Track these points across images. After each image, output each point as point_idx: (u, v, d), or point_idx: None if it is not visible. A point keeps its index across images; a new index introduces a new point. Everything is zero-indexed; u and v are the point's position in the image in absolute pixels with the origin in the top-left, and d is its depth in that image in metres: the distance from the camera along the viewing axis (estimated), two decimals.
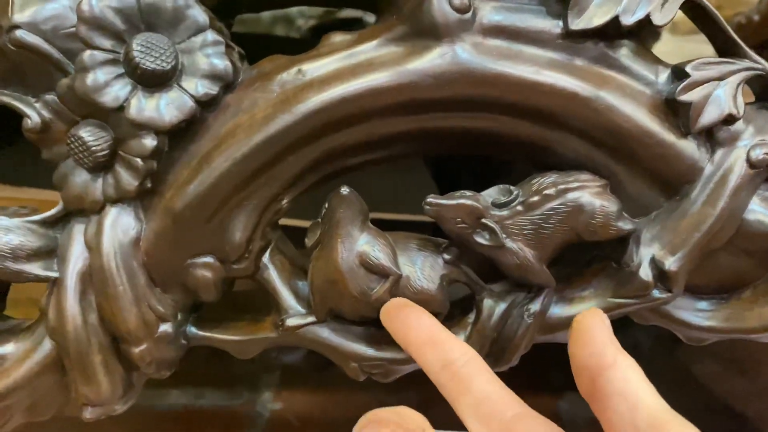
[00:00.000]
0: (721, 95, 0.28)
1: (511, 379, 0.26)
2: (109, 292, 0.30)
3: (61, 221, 0.31)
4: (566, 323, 0.31)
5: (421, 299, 0.29)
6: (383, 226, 0.30)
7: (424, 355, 0.25)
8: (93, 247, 0.30)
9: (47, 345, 0.31)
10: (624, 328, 0.77)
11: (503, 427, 0.22)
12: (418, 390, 0.70)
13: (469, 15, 0.27)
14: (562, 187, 0.28)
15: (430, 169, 0.59)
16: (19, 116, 0.29)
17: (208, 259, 0.31)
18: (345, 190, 0.29)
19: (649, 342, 0.76)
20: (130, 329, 0.30)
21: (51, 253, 0.31)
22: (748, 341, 0.57)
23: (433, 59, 0.28)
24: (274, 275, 0.32)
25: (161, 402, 0.70)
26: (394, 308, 0.28)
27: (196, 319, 0.33)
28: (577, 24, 0.27)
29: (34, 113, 0.29)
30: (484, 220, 0.28)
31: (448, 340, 0.25)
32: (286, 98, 0.29)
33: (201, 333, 0.32)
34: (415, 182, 0.58)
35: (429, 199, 0.28)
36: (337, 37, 0.30)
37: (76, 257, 0.31)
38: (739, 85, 0.28)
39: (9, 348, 0.32)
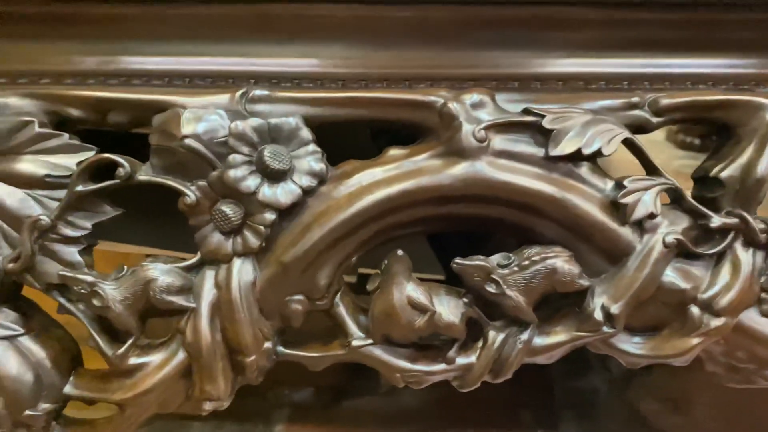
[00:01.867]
0: (647, 200, 0.43)
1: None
2: (234, 317, 0.43)
3: (195, 268, 0.45)
4: (545, 350, 0.45)
5: (446, 329, 0.44)
6: None
7: None
8: (222, 286, 0.44)
9: (180, 356, 0.45)
10: (585, 377, 0.91)
11: None
12: (419, 425, 0.83)
13: (485, 143, 0.43)
14: (543, 255, 0.43)
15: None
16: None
17: (300, 297, 0.45)
18: (400, 252, 0.44)
19: (605, 386, 0.90)
20: (247, 344, 0.44)
21: (189, 290, 0.44)
22: (682, 383, 0.72)
23: (461, 170, 0.43)
24: (342, 310, 0.46)
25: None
26: None
27: (282, 341, 0.46)
28: (554, 151, 0.43)
29: (191, 193, 0.43)
30: (492, 276, 0.43)
31: None
32: (362, 190, 0.44)
33: (286, 350, 0.46)
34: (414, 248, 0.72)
35: (457, 260, 0.43)
36: (395, 151, 0.45)
37: (207, 293, 0.44)
38: (657, 193, 0.44)
39: (151, 358, 0.45)
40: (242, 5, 0.45)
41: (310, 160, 0.43)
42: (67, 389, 0.46)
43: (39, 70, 0.45)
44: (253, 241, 0.43)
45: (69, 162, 0.43)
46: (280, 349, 0.46)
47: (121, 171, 0.42)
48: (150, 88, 0.44)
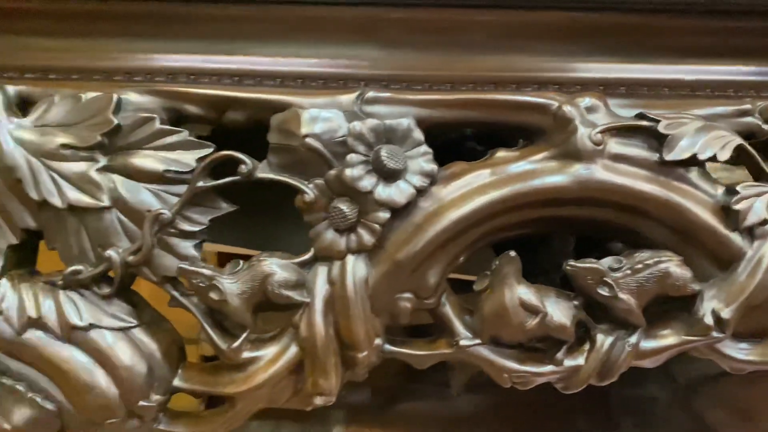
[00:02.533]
0: (759, 206, 0.44)
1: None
2: (348, 313, 0.44)
3: (308, 264, 0.46)
4: (652, 353, 0.45)
5: (558, 331, 0.44)
6: None
7: None
8: (336, 282, 0.44)
9: (293, 350, 0.45)
10: (641, 385, 0.91)
11: None
12: (471, 428, 0.83)
13: (601, 146, 0.43)
14: (656, 259, 0.43)
15: None
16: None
17: (409, 295, 0.45)
18: (512, 253, 0.44)
19: (665, 395, 0.90)
20: (360, 340, 0.44)
21: (303, 285, 0.45)
22: (751, 393, 0.71)
23: (576, 172, 0.43)
24: (449, 310, 0.46)
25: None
26: None
27: (388, 339, 0.47)
28: (669, 156, 0.43)
29: (309, 191, 0.44)
30: (605, 279, 0.43)
31: None
32: (474, 191, 0.44)
33: (391, 348, 0.47)
34: None
35: (570, 263, 0.43)
36: (503, 153, 0.46)
37: (320, 289, 0.45)
38: None
39: (263, 352, 0.46)
40: (352, 8, 0.46)
41: (422, 160, 0.44)
42: (176, 382, 0.47)
43: (155, 67, 0.46)
44: (368, 239, 0.44)
45: (188, 158, 0.44)
46: (386, 347, 0.46)
47: (243, 168, 0.43)
48: (265, 88, 0.45)
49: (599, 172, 0.43)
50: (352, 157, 0.43)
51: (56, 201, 0.43)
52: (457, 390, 0.75)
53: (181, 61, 0.47)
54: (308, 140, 0.43)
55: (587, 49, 0.47)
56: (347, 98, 0.45)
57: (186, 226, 0.44)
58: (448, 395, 0.91)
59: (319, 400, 0.45)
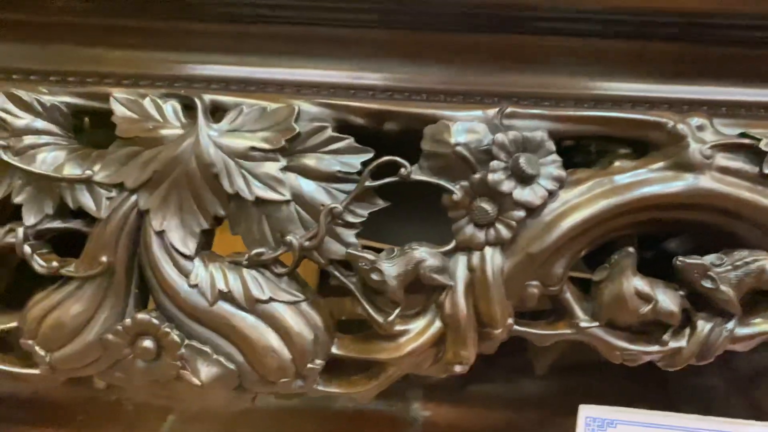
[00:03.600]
0: None
1: None
2: (488, 296, 0.52)
3: (450, 253, 0.54)
4: (746, 338, 0.53)
5: (667, 316, 0.52)
6: None
7: None
8: (477, 269, 0.53)
9: (437, 325, 0.54)
10: (700, 374, 0.98)
11: None
12: (539, 410, 0.91)
13: (710, 160, 0.51)
14: (754, 258, 0.51)
15: None
16: None
17: (537, 283, 0.54)
18: (630, 249, 0.52)
19: (724, 384, 0.96)
20: (497, 319, 0.52)
21: (446, 271, 0.53)
22: None
23: (687, 181, 0.51)
24: (569, 296, 0.54)
25: (334, 404, 0.90)
26: None
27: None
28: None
29: (457, 192, 0.52)
30: (709, 273, 0.51)
31: None
32: (597, 195, 0.52)
33: (519, 327, 0.55)
34: None
35: (680, 258, 0.51)
36: (623, 163, 0.53)
37: (461, 274, 0.53)
38: None
39: (411, 325, 0.54)
40: (491, 36, 0.54)
41: (553, 167, 0.52)
42: (334, 349, 0.55)
43: (322, 82, 0.55)
44: (505, 234, 0.52)
45: (353, 161, 0.53)
46: (516, 326, 0.54)
47: (403, 171, 0.51)
48: (424, 103, 0.53)
49: (707, 181, 0.51)
50: (495, 163, 0.51)
51: (246, 194, 0.52)
52: (540, 370, 0.83)
53: (345, 77, 0.55)
54: (458, 148, 0.51)
55: (694, 74, 0.54)
56: (489, 112, 0.52)
57: (350, 218, 0.53)
58: (515, 379, 0.99)
59: (458, 368, 0.54)
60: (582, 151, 0.67)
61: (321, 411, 0.91)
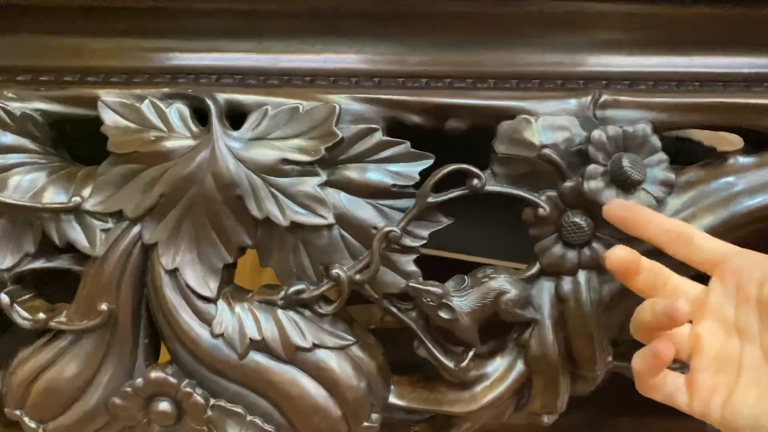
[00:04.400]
0: None
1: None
2: (585, 332, 0.42)
3: (533, 279, 0.44)
4: None
5: None
6: None
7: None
8: (569, 299, 0.42)
9: (519, 368, 0.44)
10: None
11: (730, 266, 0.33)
12: (584, 413, 0.82)
13: None
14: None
15: None
16: None
17: None
18: None
19: None
20: (595, 359, 0.42)
21: (531, 302, 0.43)
22: None
23: None
24: None
25: None
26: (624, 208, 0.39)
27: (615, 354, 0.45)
28: None
29: (544, 205, 0.42)
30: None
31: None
32: (716, 203, 0.42)
33: (618, 363, 0.45)
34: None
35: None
36: (740, 159, 0.43)
37: (547, 305, 0.43)
38: None
39: (488, 369, 0.44)
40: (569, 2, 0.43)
41: (660, 169, 0.42)
42: (392, 399, 0.45)
43: (370, 71, 0.44)
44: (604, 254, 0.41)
45: (410, 170, 0.42)
46: (616, 362, 0.44)
47: (476, 182, 0.41)
48: (493, 92, 0.42)
49: None
50: (592, 168, 0.41)
51: (279, 219, 0.41)
52: None
53: (398, 64, 0.44)
54: (547, 151, 0.40)
55: None
56: (581, 101, 0.42)
57: (408, 242, 0.42)
58: None
59: (547, 419, 0.44)
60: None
61: None
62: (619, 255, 0.35)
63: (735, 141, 0.47)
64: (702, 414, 0.33)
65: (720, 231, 0.42)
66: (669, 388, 0.34)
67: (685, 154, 0.47)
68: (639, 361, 0.33)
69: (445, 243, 0.53)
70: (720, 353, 0.33)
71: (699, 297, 0.35)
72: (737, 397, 0.32)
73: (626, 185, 0.41)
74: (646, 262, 0.36)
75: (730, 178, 0.42)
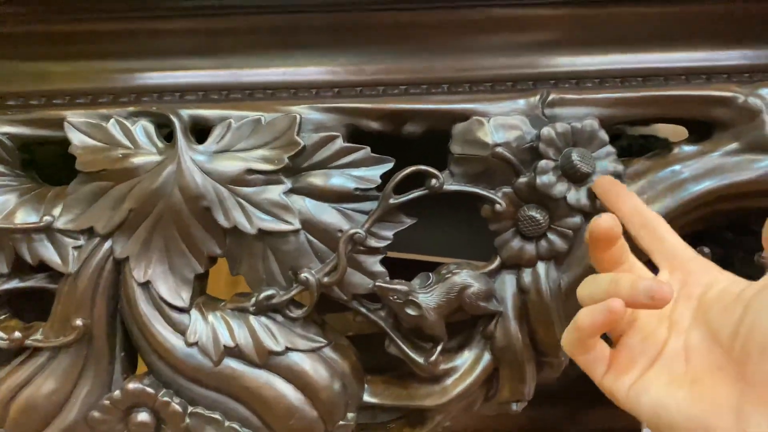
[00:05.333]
0: None
1: None
2: (547, 320, 0.44)
3: (494, 273, 0.45)
4: None
5: None
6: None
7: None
8: (530, 290, 0.44)
9: (486, 359, 0.45)
10: None
11: (683, 265, 0.34)
12: (562, 405, 0.84)
13: None
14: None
15: None
16: None
17: None
18: (706, 249, 0.44)
19: None
20: (559, 346, 0.44)
21: (493, 295, 0.45)
22: None
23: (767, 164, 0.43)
24: None
25: None
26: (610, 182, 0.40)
27: None
28: None
29: (500, 201, 0.43)
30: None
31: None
32: (663, 190, 0.44)
33: None
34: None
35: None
36: (686, 147, 0.45)
37: (510, 297, 0.45)
38: None
39: (457, 362, 0.46)
40: (516, 9, 0.45)
41: (609, 161, 0.44)
42: (366, 397, 0.47)
43: (329, 81, 0.45)
44: (561, 245, 0.44)
45: (372, 174, 0.44)
46: None
47: (434, 182, 0.43)
48: (447, 96, 0.44)
49: None
50: (543, 163, 0.43)
51: (247, 228, 0.42)
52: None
53: (355, 74, 0.45)
54: (499, 149, 0.42)
55: (754, 36, 0.46)
56: (528, 102, 0.44)
57: (373, 243, 0.44)
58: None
59: (516, 406, 0.46)
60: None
61: None
62: (607, 222, 0.35)
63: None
64: (609, 389, 0.33)
65: (669, 217, 0.44)
66: (595, 354, 0.34)
67: (648, 150, 0.49)
68: (587, 316, 0.33)
69: (409, 245, 0.54)
70: (647, 337, 0.34)
71: None
72: (648, 378, 0.32)
73: (577, 178, 0.43)
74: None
75: (676, 167, 0.45)
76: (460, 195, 0.44)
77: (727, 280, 0.33)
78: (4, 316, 0.45)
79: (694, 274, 0.35)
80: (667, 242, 0.37)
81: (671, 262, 0.36)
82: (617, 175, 0.44)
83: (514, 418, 0.85)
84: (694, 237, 0.48)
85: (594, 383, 0.35)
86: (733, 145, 0.44)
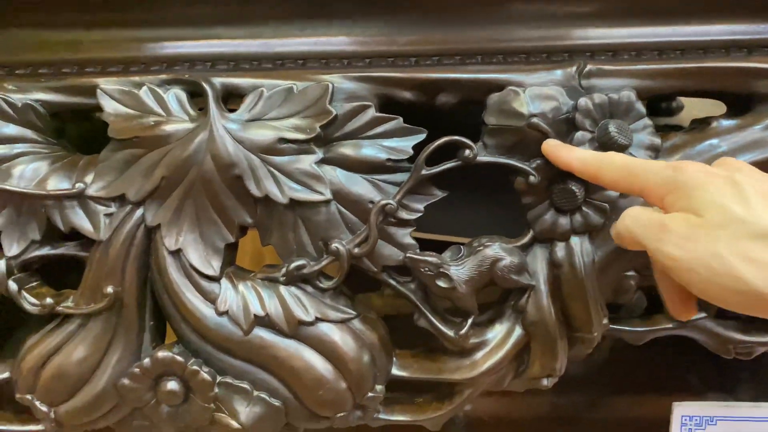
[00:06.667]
0: None
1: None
2: (580, 295, 0.43)
3: (527, 247, 0.45)
4: None
5: None
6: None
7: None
8: (563, 264, 0.44)
9: (518, 333, 0.45)
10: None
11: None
12: (584, 392, 0.83)
13: None
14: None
15: None
16: None
17: (634, 273, 0.45)
18: None
19: None
20: (591, 321, 0.44)
21: (526, 269, 0.44)
22: None
23: None
24: None
25: None
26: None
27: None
28: None
29: (534, 174, 0.43)
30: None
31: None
32: (706, 161, 0.43)
33: (614, 326, 0.46)
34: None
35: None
36: (724, 122, 0.44)
37: (542, 271, 0.44)
38: None
39: (487, 336, 0.45)
40: None
41: (646, 134, 0.43)
42: (395, 370, 0.46)
43: (361, 52, 0.45)
44: (596, 219, 0.43)
45: (404, 145, 0.43)
46: (611, 325, 0.46)
47: (468, 152, 0.42)
48: (481, 66, 0.44)
49: None
50: (580, 134, 0.42)
51: (278, 197, 0.42)
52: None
53: (373, 44, 0.45)
54: (535, 120, 0.42)
55: None
56: (567, 72, 0.43)
57: (404, 215, 0.43)
58: None
59: (546, 382, 0.45)
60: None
61: None
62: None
63: None
64: None
65: None
66: None
67: None
68: None
69: (436, 226, 0.54)
70: None
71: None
72: None
73: (613, 150, 0.42)
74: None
75: (714, 140, 0.44)
76: (490, 174, 0.43)
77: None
78: (35, 283, 0.45)
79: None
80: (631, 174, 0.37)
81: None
82: (654, 149, 0.43)
83: (536, 406, 0.85)
84: None
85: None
86: None
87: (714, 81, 0.44)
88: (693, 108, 0.63)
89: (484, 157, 0.43)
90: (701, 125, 0.45)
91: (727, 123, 0.44)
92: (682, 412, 0.52)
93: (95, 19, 0.46)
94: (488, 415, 0.83)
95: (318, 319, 0.44)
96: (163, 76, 0.44)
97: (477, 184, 0.47)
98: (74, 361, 0.44)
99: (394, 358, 0.47)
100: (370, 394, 0.45)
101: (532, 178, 0.43)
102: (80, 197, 0.43)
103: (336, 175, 0.43)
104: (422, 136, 0.43)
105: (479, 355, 0.45)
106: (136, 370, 0.44)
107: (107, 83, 0.43)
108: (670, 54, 0.45)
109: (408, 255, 0.43)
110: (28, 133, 0.44)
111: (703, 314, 0.45)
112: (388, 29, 0.46)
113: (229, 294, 0.44)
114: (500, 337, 0.45)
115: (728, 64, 0.43)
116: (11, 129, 0.43)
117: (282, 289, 0.44)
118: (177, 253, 0.43)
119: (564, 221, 0.44)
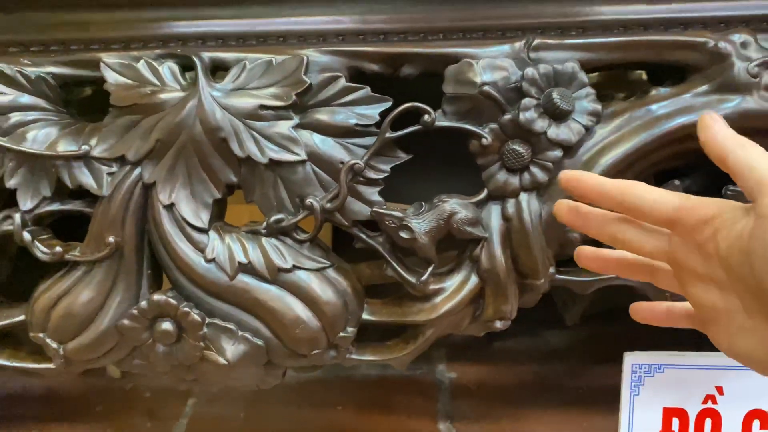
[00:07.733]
0: None
1: None
2: (528, 245, 0.49)
3: (481, 203, 0.50)
4: None
5: None
6: None
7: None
8: (513, 218, 0.49)
9: (473, 281, 0.50)
10: None
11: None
12: (565, 362, 0.88)
13: (758, 79, 0.47)
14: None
15: None
16: None
17: None
18: (677, 182, 0.48)
19: None
20: (538, 269, 0.49)
21: (480, 222, 0.49)
22: None
23: (734, 104, 0.47)
24: None
25: (356, 372, 0.87)
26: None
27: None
28: None
29: (486, 136, 0.48)
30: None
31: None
32: (637, 127, 0.48)
33: (560, 276, 0.51)
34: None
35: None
36: (661, 90, 0.49)
37: (495, 225, 0.50)
38: None
39: (446, 283, 0.51)
40: None
41: (587, 101, 0.48)
42: (365, 315, 0.52)
43: (335, 30, 0.50)
44: (542, 177, 0.48)
45: (371, 112, 0.48)
46: (557, 275, 0.51)
47: (427, 118, 0.47)
48: (443, 42, 0.49)
49: (757, 103, 0.47)
50: (526, 101, 0.47)
51: (259, 158, 0.48)
52: (571, 320, 0.80)
53: (345, 22, 0.50)
54: (485, 88, 0.47)
55: None
56: (515, 46, 0.48)
57: (372, 174, 0.49)
58: (540, 332, 0.96)
59: (499, 324, 0.50)
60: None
61: (344, 380, 0.88)
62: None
63: None
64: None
65: (645, 150, 0.48)
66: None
67: None
68: None
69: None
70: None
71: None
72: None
73: (557, 115, 0.47)
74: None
75: (652, 106, 0.49)
76: (449, 130, 0.48)
77: (717, 220, 0.32)
78: (47, 236, 0.51)
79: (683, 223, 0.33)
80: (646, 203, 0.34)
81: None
82: (595, 114, 0.48)
83: (520, 374, 0.90)
84: (670, 172, 0.52)
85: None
86: (704, 87, 0.48)
87: (651, 52, 0.49)
88: None
89: (442, 122, 0.48)
90: (640, 94, 0.50)
91: (663, 91, 0.49)
92: (633, 360, 0.57)
93: (101, 3, 0.51)
94: (473, 383, 0.88)
95: (295, 267, 0.49)
96: (159, 51, 0.49)
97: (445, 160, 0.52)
98: (81, 302, 0.50)
99: (366, 306, 0.52)
100: (341, 334, 0.51)
101: (484, 141, 0.48)
102: (86, 158, 0.48)
103: (311, 138, 0.48)
104: (388, 104, 0.49)
105: (439, 299, 0.50)
106: (135, 311, 0.50)
107: (110, 57, 0.49)
108: (613, 31, 0.50)
109: (374, 209, 0.48)
110: (41, 102, 0.49)
111: None
112: (360, 9, 0.51)
113: (216, 244, 0.49)
114: (457, 284, 0.50)
115: (663, 37, 0.48)
116: (26, 99, 0.49)
117: (263, 240, 0.50)
118: (170, 207, 0.49)
119: (514, 180, 0.49)
